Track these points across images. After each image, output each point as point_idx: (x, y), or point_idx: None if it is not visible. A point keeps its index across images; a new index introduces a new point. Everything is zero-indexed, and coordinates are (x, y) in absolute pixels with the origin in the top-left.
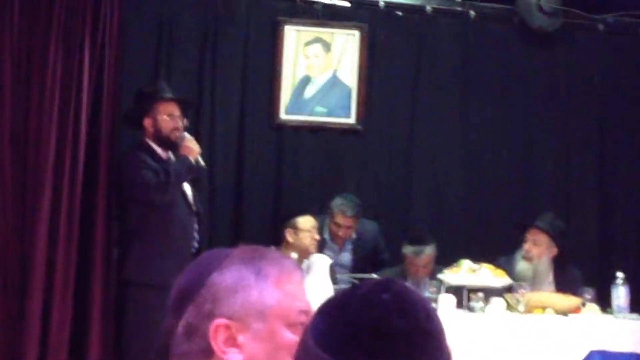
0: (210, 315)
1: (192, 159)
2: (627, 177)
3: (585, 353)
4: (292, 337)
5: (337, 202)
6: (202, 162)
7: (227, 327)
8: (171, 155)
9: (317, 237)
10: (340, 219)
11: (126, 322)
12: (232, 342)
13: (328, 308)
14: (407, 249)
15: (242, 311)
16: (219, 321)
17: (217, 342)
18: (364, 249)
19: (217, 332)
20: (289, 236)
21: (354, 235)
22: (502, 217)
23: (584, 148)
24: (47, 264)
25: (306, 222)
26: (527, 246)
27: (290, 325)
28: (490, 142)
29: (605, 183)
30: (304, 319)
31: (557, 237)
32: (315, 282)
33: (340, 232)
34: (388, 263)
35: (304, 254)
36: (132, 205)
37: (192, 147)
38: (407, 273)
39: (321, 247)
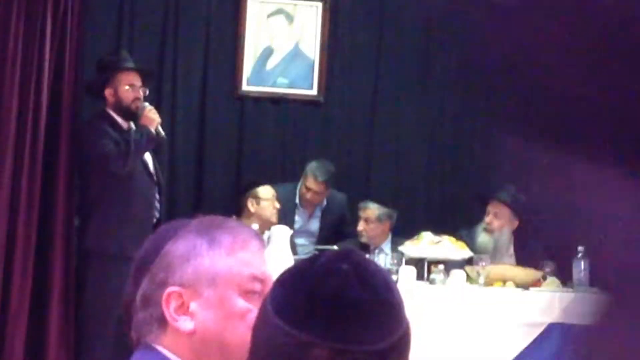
0: (164, 284)
1: (152, 129)
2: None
3: (544, 326)
4: (244, 304)
5: (313, 166)
6: (162, 133)
7: (179, 294)
8: (132, 125)
9: (278, 206)
10: (311, 183)
11: (86, 292)
12: (184, 309)
13: (287, 277)
14: (359, 204)
15: (194, 279)
16: (171, 289)
17: (169, 309)
18: (331, 217)
19: (169, 299)
20: (251, 206)
21: (324, 203)
22: (463, 189)
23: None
24: (7, 234)
25: (267, 191)
26: (488, 219)
27: (243, 293)
28: (451, 113)
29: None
30: (257, 286)
31: (518, 209)
32: (276, 253)
33: (308, 196)
34: (352, 237)
35: (266, 223)
36: (93, 175)
37: (153, 117)
38: (359, 234)
39: (292, 213)
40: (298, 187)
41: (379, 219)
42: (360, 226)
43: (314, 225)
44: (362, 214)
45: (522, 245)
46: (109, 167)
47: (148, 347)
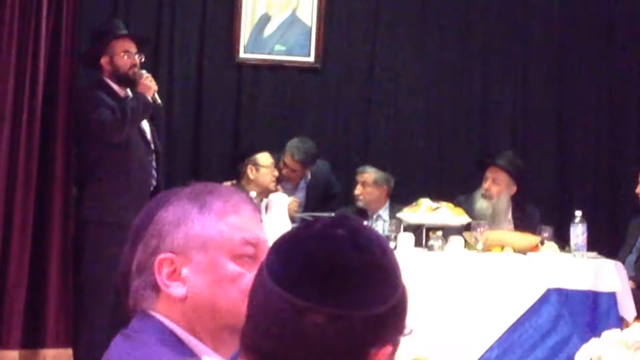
0: (156, 251)
1: (149, 97)
2: (586, 115)
3: (542, 291)
4: (235, 269)
5: (292, 143)
6: (158, 100)
7: (171, 261)
8: (129, 92)
9: (277, 173)
10: (287, 159)
11: (84, 260)
12: (175, 275)
13: (283, 243)
14: (357, 169)
15: (185, 244)
16: (163, 255)
17: (161, 276)
18: (317, 189)
19: (161, 266)
20: (250, 173)
21: (308, 177)
22: (461, 155)
23: (543, 84)
24: (5, 203)
25: (266, 158)
26: (486, 185)
27: (235, 257)
28: (449, 80)
29: (564, 121)
30: (250, 250)
31: (516, 175)
32: (274, 221)
33: (284, 171)
34: (339, 196)
35: (264, 190)
36: (90, 144)
37: (149, 85)
38: (356, 198)
39: (278, 181)
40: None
41: (376, 183)
42: (358, 190)
43: (300, 195)
44: (359, 178)
45: (520, 210)
46: (105, 135)
47: (144, 314)
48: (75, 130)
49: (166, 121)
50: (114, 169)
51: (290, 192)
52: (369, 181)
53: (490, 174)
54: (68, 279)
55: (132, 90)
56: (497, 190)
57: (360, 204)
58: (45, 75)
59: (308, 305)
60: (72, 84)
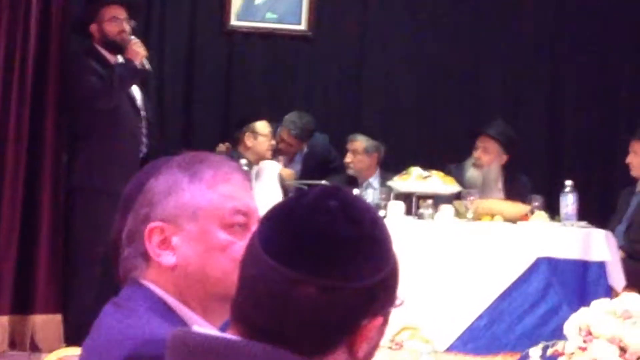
0: (146, 220)
1: (137, 63)
2: (577, 84)
3: (532, 260)
4: (226, 237)
5: (290, 117)
6: (147, 65)
7: (161, 229)
8: (120, 58)
9: (274, 142)
10: (284, 134)
11: (74, 227)
12: (166, 244)
13: (275, 214)
14: (348, 136)
15: (175, 213)
16: (153, 224)
17: (152, 244)
18: (314, 161)
19: (151, 234)
20: (248, 140)
21: (304, 149)
22: (452, 124)
23: (535, 53)
24: None
25: (264, 127)
26: (477, 154)
27: (225, 226)
28: (441, 48)
29: (555, 90)
30: (240, 219)
31: (507, 144)
32: (264, 189)
33: (281, 145)
34: (340, 169)
35: (260, 158)
36: (79, 111)
37: (137, 50)
38: (346, 166)
39: (274, 154)
40: (278, 131)
41: (366, 151)
42: (348, 158)
43: (296, 168)
44: (349, 146)
45: (511, 179)
46: (93, 102)
47: (135, 283)
48: (65, 97)
49: (157, 88)
50: (104, 136)
51: (286, 164)
52: (360, 149)
53: (480, 143)
54: (58, 246)
55: (122, 56)
56: (487, 159)
57: (350, 171)
58: (37, 43)
59: (299, 277)
60: (63, 51)
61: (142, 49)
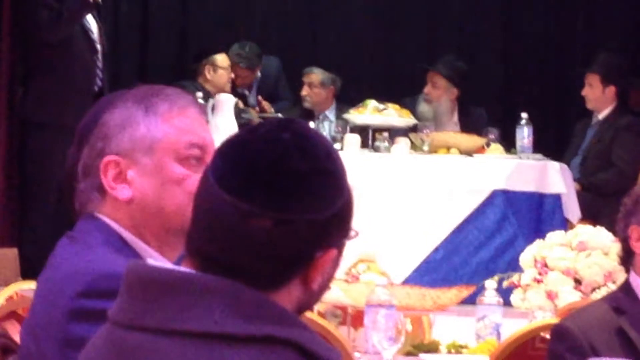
0: (101, 153)
1: None
2: (533, 17)
3: (488, 193)
4: (181, 171)
5: (233, 51)
6: None
7: (117, 163)
8: None
9: (232, 75)
10: (236, 70)
11: (28, 161)
12: (122, 178)
13: (228, 147)
14: (304, 70)
15: (130, 147)
16: (108, 158)
17: (107, 178)
18: (267, 86)
19: (106, 168)
20: (207, 73)
21: (258, 75)
22: (408, 57)
23: None
24: None
25: (224, 59)
26: (426, 89)
27: (181, 159)
28: None
29: (510, 23)
30: (196, 152)
31: (455, 79)
32: (221, 122)
33: (238, 81)
34: (286, 97)
35: (219, 91)
36: (32, 45)
37: None
38: (302, 99)
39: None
40: None
41: (322, 84)
42: (304, 91)
43: (252, 99)
44: (305, 79)
45: (466, 112)
46: (41, 35)
47: (90, 217)
48: (17, 31)
49: (112, 21)
50: (56, 69)
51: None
52: (316, 82)
53: (429, 78)
54: (13, 180)
55: None
56: (436, 94)
57: (306, 104)
58: None
59: (253, 210)
60: None
61: None
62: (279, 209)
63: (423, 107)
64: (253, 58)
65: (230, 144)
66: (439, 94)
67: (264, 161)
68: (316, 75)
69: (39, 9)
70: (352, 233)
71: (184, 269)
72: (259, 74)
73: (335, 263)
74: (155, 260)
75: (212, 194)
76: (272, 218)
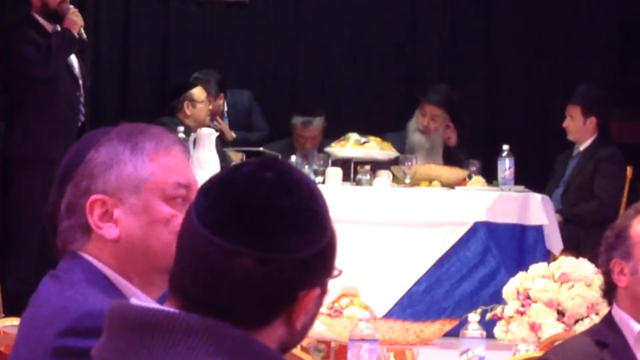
0: (87, 192)
1: (74, 32)
2: (515, 48)
3: (470, 225)
4: (168, 210)
5: (198, 79)
6: (84, 35)
7: (103, 202)
8: (58, 27)
9: (211, 107)
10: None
11: (12, 196)
12: (108, 217)
13: (212, 186)
14: (297, 120)
15: (117, 186)
16: (95, 197)
17: (93, 217)
18: (239, 118)
19: (93, 207)
20: (187, 109)
21: (225, 108)
22: (390, 89)
23: (472, 16)
24: None
25: (201, 93)
26: (425, 121)
27: (167, 199)
28: (377, 12)
29: (492, 53)
30: (182, 192)
31: (453, 112)
32: (203, 155)
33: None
34: (261, 128)
35: (200, 125)
36: (15, 80)
37: (75, 20)
38: (296, 145)
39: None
40: None
41: (323, 130)
42: (308, 143)
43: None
44: (309, 134)
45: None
46: (29, 71)
47: (74, 255)
48: (1, 66)
49: (93, 56)
50: (40, 104)
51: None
52: (317, 132)
53: (428, 110)
54: None
55: (60, 26)
56: (434, 126)
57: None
58: None
59: (236, 249)
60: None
61: (80, 18)
62: (263, 248)
63: (420, 139)
64: (215, 83)
65: (214, 183)
66: (437, 125)
67: (248, 200)
68: (316, 127)
69: (25, 45)
70: (335, 272)
71: (167, 308)
72: (225, 105)
73: (319, 302)
74: (139, 299)
75: (196, 233)
76: (256, 257)
